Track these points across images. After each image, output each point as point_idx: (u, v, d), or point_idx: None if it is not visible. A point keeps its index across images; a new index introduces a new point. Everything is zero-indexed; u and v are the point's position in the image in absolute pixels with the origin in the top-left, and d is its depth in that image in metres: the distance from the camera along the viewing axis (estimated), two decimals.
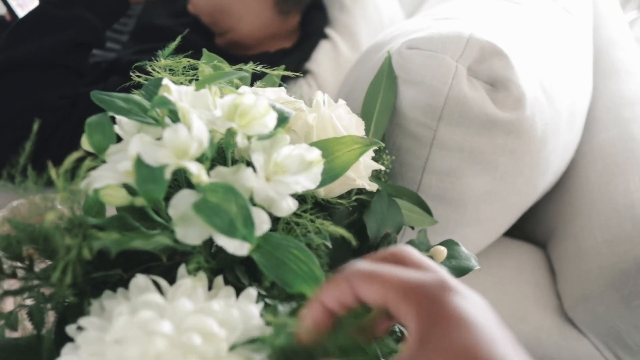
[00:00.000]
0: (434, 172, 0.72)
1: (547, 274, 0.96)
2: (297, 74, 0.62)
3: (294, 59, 1.12)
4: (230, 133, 0.45)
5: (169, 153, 0.41)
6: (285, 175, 0.46)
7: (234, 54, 1.12)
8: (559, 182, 0.99)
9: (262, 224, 0.42)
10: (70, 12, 0.93)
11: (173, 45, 0.62)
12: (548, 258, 1.00)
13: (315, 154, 0.47)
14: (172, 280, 0.44)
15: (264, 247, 0.43)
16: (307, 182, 0.47)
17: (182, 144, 0.41)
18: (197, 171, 0.40)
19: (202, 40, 1.15)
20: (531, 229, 1.06)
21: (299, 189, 0.46)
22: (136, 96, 0.50)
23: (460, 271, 0.62)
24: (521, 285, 0.93)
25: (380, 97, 0.69)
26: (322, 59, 1.12)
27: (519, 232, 1.05)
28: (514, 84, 0.67)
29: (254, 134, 0.46)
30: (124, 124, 0.48)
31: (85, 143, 0.47)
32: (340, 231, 0.49)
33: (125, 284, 0.44)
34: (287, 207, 0.45)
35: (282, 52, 1.13)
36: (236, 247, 0.41)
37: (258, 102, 0.46)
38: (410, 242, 0.62)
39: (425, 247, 0.64)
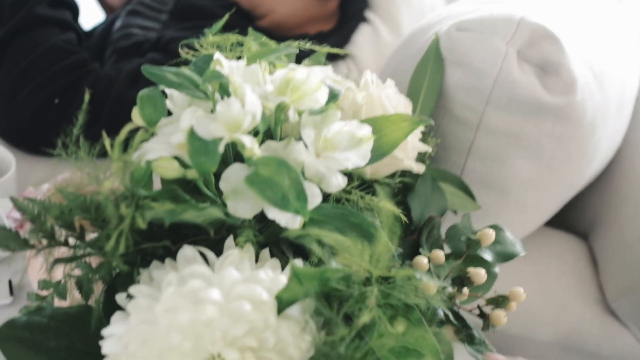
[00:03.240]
0: (478, 157, 0.71)
1: (588, 265, 0.94)
2: (342, 51, 0.61)
3: (333, 41, 1.11)
4: (281, 108, 0.45)
5: (222, 126, 0.41)
6: (335, 152, 0.46)
7: (274, 34, 1.12)
8: (604, 172, 0.97)
9: (314, 197, 0.42)
10: None
11: (220, 22, 0.62)
12: (590, 249, 0.98)
13: (366, 130, 0.47)
14: (218, 254, 0.44)
15: (316, 220, 0.43)
16: (357, 158, 0.46)
17: (235, 117, 0.41)
18: (250, 144, 0.40)
19: (242, 22, 1.15)
20: (573, 219, 1.03)
21: (349, 166, 0.45)
22: (187, 70, 0.50)
23: (505, 257, 0.61)
24: (562, 276, 0.91)
25: (427, 79, 0.68)
26: (362, 42, 1.11)
27: (560, 222, 1.03)
28: (565, 69, 0.66)
29: (305, 109, 0.46)
30: (175, 98, 0.48)
31: (137, 116, 0.47)
32: (391, 207, 0.48)
33: (172, 256, 0.44)
34: (337, 183, 0.45)
35: (322, 35, 1.13)
36: (288, 220, 0.41)
37: (310, 77, 0.45)
38: (454, 227, 0.62)
39: (469, 231, 0.63)
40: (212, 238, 0.49)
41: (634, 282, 0.82)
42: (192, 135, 0.41)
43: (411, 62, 0.74)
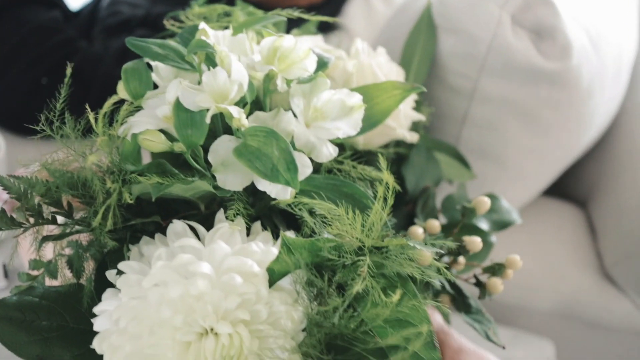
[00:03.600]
0: (474, 126, 0.70)
1: (586, 233, 0.94)
2: (333, 19, 0.60)
3: (324, 13, 1.09)
4: (269, 77, 0.44)
5: (208, 97, 0.40)
6: (325, 121, 0.45)
7: (264, 7, 1.10)
8: (601, 139, 0.96)
9: (305, 167, 0.41)
10: None
11: None
12: (588, 217, 0.98)
13: (357, 99, 0.46)
14: (209, 229, 0.43)
15: (307, 191, 0.42)
16: (348, 127, 0.45)
17: (221, 88, 0.40)
18: (238, 115, 0.39)
19: None
20: (571, 187, 1.03)
21: (340, 135, 0.44)
22: (172, 42, 0.49)
23: (501, 225, 0.60)
24: (560, 244, 0.91)
25: (420, 48, 0.67)
26: (354, 13, 1.09)
27: (558, 190, 1.02)
28: (561, 33, 0.64)
29: (294, 78, 0.45)
30: (160, 70, 0.47)
31: (122, 90, 0.46)
32: (384, 176, 0.48)
33: (163, 232, 0.43)
34: (328, 153, 0.44)
35: (313, 7, 1.11)
36: (279, 191, 0.40)
37: (298, 45, 0.44)
38: (449, 197, 0.61)
39: (464, 200, 0.62)
40: (203, 213, 0.49)
41: (632, 248, 0.81)
42: (178, 106, 0.40)
43: (403, 31, 0.73)
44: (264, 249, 0.39)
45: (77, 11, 1.25)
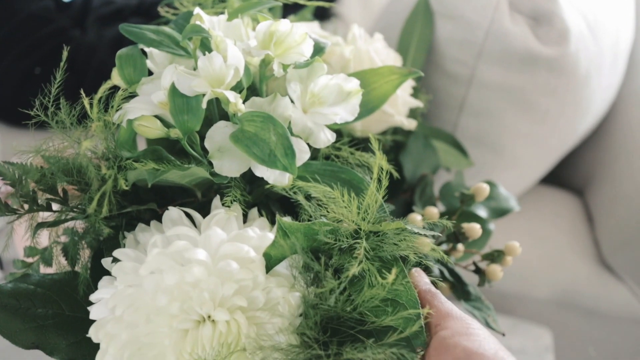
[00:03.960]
0: (471, 113, 0.69)
1: (584, 221, 0.94)
2: (328, 4, 0.59)
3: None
4: (265, 63, 0.43)
5: (204, 82, 0.39)
6: (322, 107, 0.44)
7: None
8: (598, 127, 0.96)
9: (302, 153, 0.41)
10: None
11: None
12: (585, 205, 0.97)
13: (354, 84, 0.45)
14: (206, 216, 0.43)
15: (304, 177, 0.42)
16: (345, 113, 0.45)
17: (217, 72, 0.40)
18: (235, 99, 0.39)
19: None
20: (568, 175, 1.03)
21: (338, 120, 0.44)
22: (166, 28, 0.48)
23: (499, 212, 0.60)
24: (558, 233, 0.90)
25: (417, 34, 0.66)
26: (350, 1, 1.09)
27: (555, 178, 1.02)
28: (558, 18, 0.64)
29: (290, 63, 0.44)
30: (155, 56, 0.46)
31: (116, 77, 0.45)
32: (381, 163, 0.47)
33: (159, 219, 0.43)
34: (326, 138, 0.43)
35: None
36: (277, 177, 0.40)
37: (294, 30, 0.43)
38: (447, 184, 0.60)
39: (462, 188, 0.62)
40: (200, 201, 0.48)
41: (629, 236, 0.81)
42: (174, 92, 0.39)
43: (400, 18, 0.72)
44: (260, 234, 0.39)
45: (70, 1, 1.24)
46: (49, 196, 0.42)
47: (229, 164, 0.41)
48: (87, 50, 0.93)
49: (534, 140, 0.73)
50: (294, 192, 0.40)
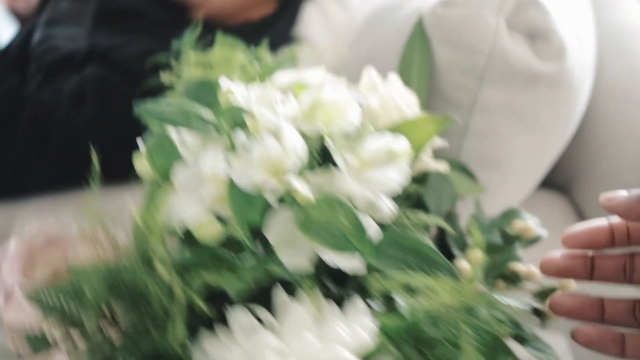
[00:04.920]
0: (475, 136, 0.68)
1: (576, 220, 0.95)
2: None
3: (280, 24, 1.04)
4: (318, 138, 0.40)
5: (263, 171, 0.35)
6: (372, 171, 0.41)
7: (214, 25, 1.04)
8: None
9: (373, 230, 0.38)
10: None
11: (191, 36, 0.56)
12: (574, 203, 0.99)
13: (402, 143, 0.42)
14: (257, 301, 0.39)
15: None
16: (398, 175, 0.42)
17: (274, 157, 0.36)
18: (302, 188, 0.35)
19: (175, 15, 1.06)
20: (550, 175, 1.04)
21: (395, 186, 0.41)
22: (184, 102, 0.44)
23: (529, 242, 0.59)
24: (552, 234, 0.91)
25: (416, 65, 0.64)
26: (311, 21, 1.05)
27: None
28: (555, 34, 0.64)
29: (334, 130, 0.41)
30: (184, 138, 0.42)
31: (144, 170, 0.41)
32: (438, 222, 0.45)
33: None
34: (387, 208, 0.40)
35: (267, 20, 1.06)
36: (350, 264, 0.37)
37: (339, 96, 0.40)
38: (475, 218, 0.59)
39: (485, 220, 0.60)
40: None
41: None
42: (233, 187, 0.35)
43: (388, 44, 0.70)
44: (352, 332, 0.35)
45: (3, 49, 1.13)
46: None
47: (298, 254, 0.37)
48: (47, 108, 0.84)
49: (534, 153, 0.73)
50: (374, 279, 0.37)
